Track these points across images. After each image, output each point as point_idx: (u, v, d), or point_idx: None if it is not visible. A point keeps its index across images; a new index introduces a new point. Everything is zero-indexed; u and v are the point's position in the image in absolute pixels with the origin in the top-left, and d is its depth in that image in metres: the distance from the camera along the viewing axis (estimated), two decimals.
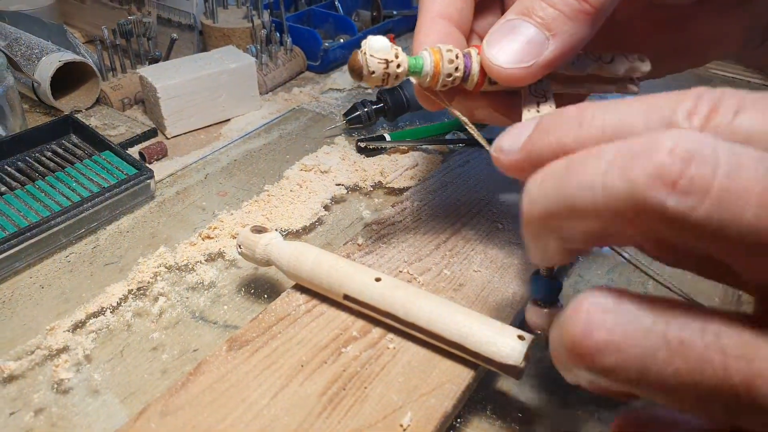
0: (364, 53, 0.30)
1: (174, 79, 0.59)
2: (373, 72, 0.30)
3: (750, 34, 0.38)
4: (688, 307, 0.19)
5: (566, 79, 0.34)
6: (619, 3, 0.40)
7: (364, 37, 0.63)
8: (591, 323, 0.19)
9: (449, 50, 0.32)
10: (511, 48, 0.30)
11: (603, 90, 0.35)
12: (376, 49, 0.30)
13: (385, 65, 0.30)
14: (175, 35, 0.65)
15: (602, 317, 0.19)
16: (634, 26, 0.40)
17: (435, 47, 0.32)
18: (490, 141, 0.28)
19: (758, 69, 0.42)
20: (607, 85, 0.35)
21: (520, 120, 0.34)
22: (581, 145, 0.21)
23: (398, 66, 0.30)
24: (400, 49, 0.31)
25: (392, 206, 0.47)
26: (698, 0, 0.37)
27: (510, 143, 0.24)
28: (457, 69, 0.32)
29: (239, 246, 0.40)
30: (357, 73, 0.30)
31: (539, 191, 0.21)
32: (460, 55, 0.32)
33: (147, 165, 0.54)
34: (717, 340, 0.17)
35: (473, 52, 0.32)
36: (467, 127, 0.33)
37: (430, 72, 0.31)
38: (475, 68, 0.32)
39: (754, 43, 0.38)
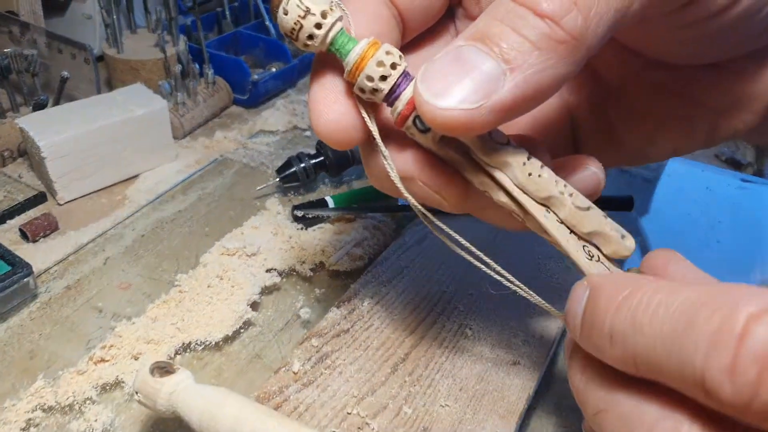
0: None
1: (64, 133, 0.48)
2: (287, 13, 0.24)
3: None
4: None
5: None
6: (609, 64, 0.32)
7: (300, 64, 0.53)
8: None
9: (389, 53, 0.24)
10: (455, 82, 0.22)
11: (553, 242, 0.26)
12: None
13: (303, 14, 0.24)
14: (65, 73, 0.53)
15: None
16: (629, 92, 0.32)
17: (374, 42, 0.25)
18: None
19: None
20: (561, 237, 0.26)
21: (459, 200, 0.27)
22: (616, 363, 0.20)
23: (318, 26, 0.24)
24: (341, 17, 0.25)
25: (337, 306, 0.38)
26: (709, 64, 0.29)
27: (573, 321, 0.22)
28: (383, 79, 0.24)
29: (137, 393, 0.31)
30: (274, 5, 0.24)
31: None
32: (399, 68, 0.25)
33: (30, 245, 0.43)
34: None
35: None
36: (382, 153, 0.26)
37: (352, 62, 0.25)
38: (407, 94, 0.25)
39: None
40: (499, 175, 0.25)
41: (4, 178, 0.51)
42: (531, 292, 0.27)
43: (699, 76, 0.30)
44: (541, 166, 0.25)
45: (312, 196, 0.52)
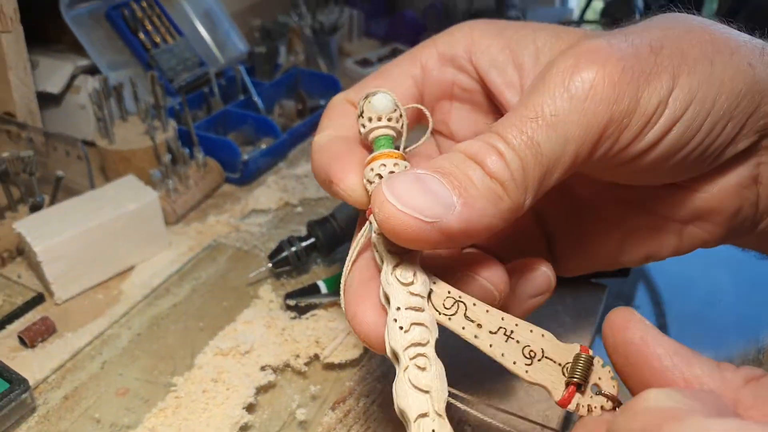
0: (367, 94, 0.31)
1: (59, 236, 0.49)
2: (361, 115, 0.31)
3: (738, 218, 0.31)
4: None
5: None
6: (578, 181, 0.33)
7: (290, 138, 0.62)
8: None
9: (383, 165, 0.29)
10: (416, 195, 0.25)
11: None
12: (370, 100, 0.31)
13: (358, 113, 0.31)
14: (60, 173, 0.54)
15: None
16: (600, 207, 0.34)
17: (393, 154, 0.29)
18: None
19: (757, 250, 0.35)
20: None
21: None
22: None
23: (362, 126, 0.31)
24: (388, 128, 0.30)
25: (332, 409, 0.38)
26: (670, 184, 0.31)
27: None
28: (369, 182, 0.29)
29: None
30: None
31: None
32: (384, 175, 0.29)
33: (28, 351, 0.44)
34: None
35: None
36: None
37: (366, 159, 0.30)
38: None
39: (743, 229, 0.32)
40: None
41: (3, 282, 0.51)
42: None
43: (659, 193, 0.32)
44: (409, 326, 0.26)
45: (305, 278, 0.52)
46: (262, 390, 0.42)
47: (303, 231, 0.54)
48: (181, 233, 0.58)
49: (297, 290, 0.49)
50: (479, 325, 0.27)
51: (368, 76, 0.35)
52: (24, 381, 0.40)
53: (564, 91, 0.25)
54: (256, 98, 0.72)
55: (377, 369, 0.41)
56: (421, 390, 0.25)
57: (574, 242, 0.34)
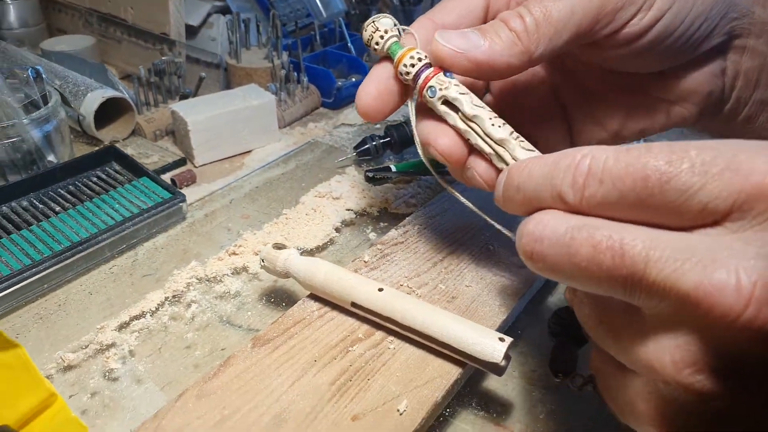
0: (373, 19, 0.42)
1: (203, 114, 0.66)
2: (365, 30, 0.42)
3: (709, 101, 0.43)
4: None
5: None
6: (588, 74, 0.46)
7: None
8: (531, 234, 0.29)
9: (413, 56, 0.40)
10: (456, 38, 0.38)
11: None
12: (379, 20, 0.41)
13: (372, 31, 0.41)
14: (203, 74, 0.72)
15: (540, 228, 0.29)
16: (606, 93, 0.46)
17: (412, 47, 0.40)
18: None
19: (721, 135, 0.48)
20: None
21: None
22: (521, 204, 0.32)
23: (381, 37, 0.41)
24: (396, 35, 0.41)
25: (395, 228, 0.53)
26: (657, 72, 0.43)
27: (497, 190, 0.34)
28: (413, 66, 0.40)
29: (262, 260, 0.47)
30: (363, 24, 0.42)
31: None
32: (420, 63, 0.39)
33: (179, 190, 0.61)
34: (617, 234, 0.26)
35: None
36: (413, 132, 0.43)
37: (395, 60, 0.40)
38: (423, 75, 0.39)
39: (712, 111, 0.44)
40: (474, 126, 0.40)
41: (157, 148, 0.69)
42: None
43: (651, 80, 0.43)
44: (502, 124, 0.39)
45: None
46: (346, 223, 0.57)
47: (382, 135, 0.69)
48: (288, 133, 0.74)
49: (375, 167, 0.64)
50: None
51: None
52: (182, 194, 0.57)
53: None
54: (350, 45, 0.88)
55: (429, 212, 0.55)
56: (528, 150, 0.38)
57: (588, 122, 0.46)
